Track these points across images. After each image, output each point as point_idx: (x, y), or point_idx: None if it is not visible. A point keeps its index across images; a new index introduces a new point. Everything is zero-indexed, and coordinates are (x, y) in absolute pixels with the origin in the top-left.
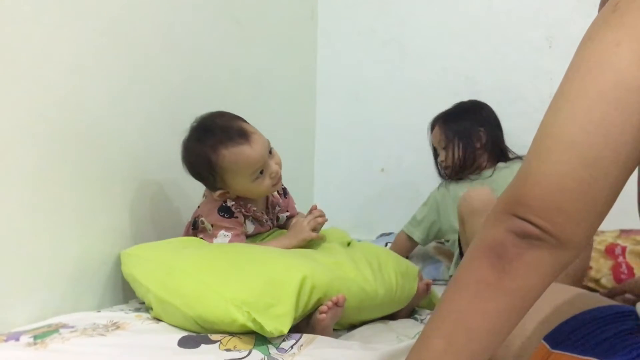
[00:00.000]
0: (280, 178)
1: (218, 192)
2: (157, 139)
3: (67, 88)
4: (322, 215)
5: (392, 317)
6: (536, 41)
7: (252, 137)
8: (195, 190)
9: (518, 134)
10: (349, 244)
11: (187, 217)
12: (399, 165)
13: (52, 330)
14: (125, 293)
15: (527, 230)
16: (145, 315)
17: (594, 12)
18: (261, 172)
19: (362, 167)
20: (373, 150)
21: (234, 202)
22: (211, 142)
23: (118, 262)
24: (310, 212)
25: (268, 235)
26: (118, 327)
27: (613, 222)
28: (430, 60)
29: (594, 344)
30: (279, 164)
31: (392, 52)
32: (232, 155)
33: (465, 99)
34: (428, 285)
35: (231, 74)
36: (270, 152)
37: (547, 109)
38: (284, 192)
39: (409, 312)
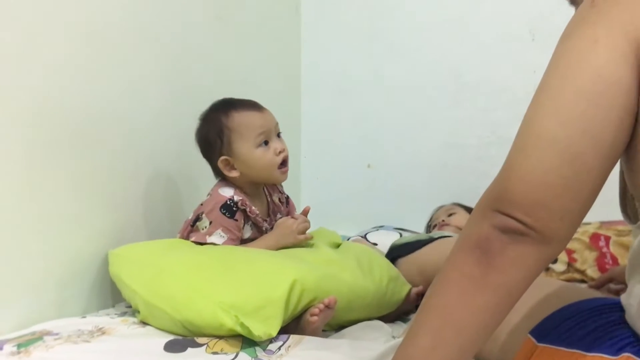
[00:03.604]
0: (287, 162)
1: (221, 159)
2: (143, 138)
3: (52, 90)
4: (306, 220)
5: (380, 320)
6: (519, 34)
7: (263, 109)
8: (188, 189)
9: (504, 126)
10: (338, 246)
11: (180, 217)
12: (386, 161)
13: (36, 338)
14: (113, 296)
15: (511, 225)
16: (131, 319)
17: None
18: (266, 143)
19: (348, 163)
20: (359, 146)
21: (241, 198)
22: (226, 109)
23: (106, 263)
24: (302, 213)
25: None
26: (103, 333)
27: (594, 214)
28: (416, 54)
29: (579, 337)
30: (287, 150)
31: (377, 47)
32: (241, 116)
33: (451, 92)
34: (419, 294)
35: (214, 71)
36: (278, 135)
37: (529, 105)
38: (287, 201)
39: (395, 318)
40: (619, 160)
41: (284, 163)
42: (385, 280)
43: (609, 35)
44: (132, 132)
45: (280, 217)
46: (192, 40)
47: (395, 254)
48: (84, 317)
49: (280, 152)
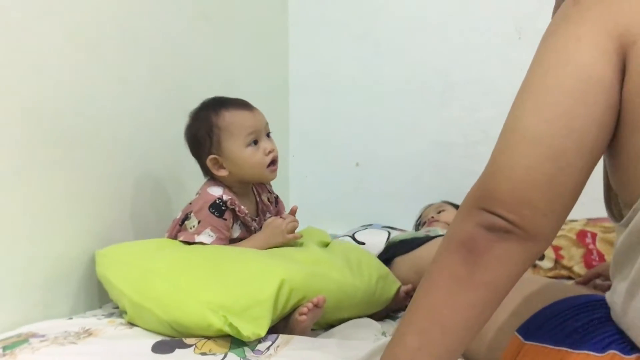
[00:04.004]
0: (276, 162)
1: (210, 158)
2: (131, 139)
3: (41, 92)
4: (295, 220)
5: (370, 318)
6: (506, 33)
7: (254, 108)
8: (176, 188)
9: (491, 124)
10: (327, 245)
11: (168, 216)
12: (374, 159)
13: (22, 340)
14: (100, 296)
15: (496, 223)
16: (118, 320)
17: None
18: (255, 143)
19: (336, 162)
20: (347, 144)
21: (230, 198)
22: (216, 107)
23: (93, 264)
24: (289, 212)
25: None
26: (90, 334)
27: (580, 211)
28: (403, 53)
29: (566, 334)
30: (276, 150)
31: (365, 46)
32: (231, 115)
33: (439, 91)
34: (408, 292)
35: (201, 71)
36: (268, 135)
37: (513, 103)
38: (276, 200)
39: (385, 316)
40: (602, 158)
41: (273, 162)
42: (375, 279)
43: (592, 33)
44: (120, 132)
45: (270, 217)
46: (179, 40)
47: (392, 252)
48: (71, 318)
49: (269, 152)
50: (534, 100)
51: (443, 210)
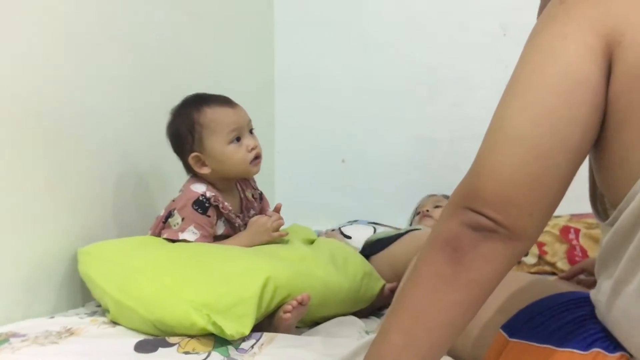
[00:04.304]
0: (259, 157)
1: (192, 155)
2: (114, 136)
3: (24, 89)
4: (280, 218)
5: (354, 315)
6: (491, 30)
7: (236, 105)
8: (159, 186)
9: (477, 121)
10: (312, 242)
11: (151, 214)
12: (360, 156)
13: (2, 340)
14: (83, 295)
15: (481, 222)
16: (101, 319)
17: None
18: (238, 140)
19: (322, 158)
20: (333, 141)
21: (213, 194)
22: (198, 104)
23: (75, 262)
24: (274, 210)
25: None
26: (72, 334)
27: (564, 207)
28: (389, 50)
29: (550, 332)
30: (259, 147)
31: (351, 43)
32: (213, 112)
33: (425, 88)
34: (392, 289)
35: (185, 68)
36: (251, 132)
37: (499, 102)
38: (260, 197)
39: (369, 313)
40: (588, 156)
41: (256, 158)
42: (359, 276)
43: (578, 32)
44: (102, 130)
45: (254, 214)
46: (164, 36)
47: (368, 251)
48: (52, 317)
49: (252, 149)
50: (520, 99)
51: (440, 206)
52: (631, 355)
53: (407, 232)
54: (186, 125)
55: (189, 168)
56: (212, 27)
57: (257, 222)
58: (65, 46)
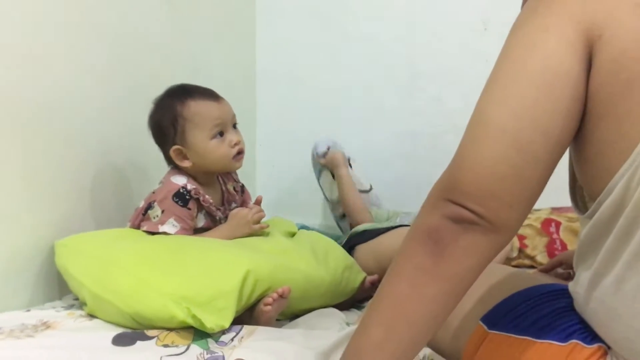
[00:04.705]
0: (242, 153)
1: (173, 149)
2: (91, 127)
3: None
4: (261, 210)
5: (335, 307)
6: (472, 24)
7: (221, 99)
8: (138, 177)
9: (457, 115)
10: (294, 235)
11: (130, 206)
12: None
13: None
14: (60, 288)
15: (462, 215)
16: (78, 312)
17: None
18: (221, 134)
19: (304, 152)
20: (315, 134)
21: (194, 187)
22: (182, 96)
23: (52, 254)
24: (255, 203)
25: None
26: (48, 327)
27: (546, 200)
28: (370, 44)
29: (529, 323)
30: (242, 142)
31: (332, 36)
32: (197, 106)
33: (405, 82)
34: (373, 282)
35: (163, 58)
36: (234, 127)
37: (480, 95)
38: (242, 189)
39: (350, 306)
40: (568, 149)
41: (239, 153)
42: (341, 269)
43: (559, 25)
44: (78, 119)
45: (235, 206)
46: (142, 25)
47: (354, 241)
48: (29, 310)
49: (235, 145)
50: (501, 92)
51: None
52: (609, 347)
53: (397, 226)
54: (169, 117)
55: (169, 160)
56: (192, 18)
57: (238, 214)
58: (40, 36)
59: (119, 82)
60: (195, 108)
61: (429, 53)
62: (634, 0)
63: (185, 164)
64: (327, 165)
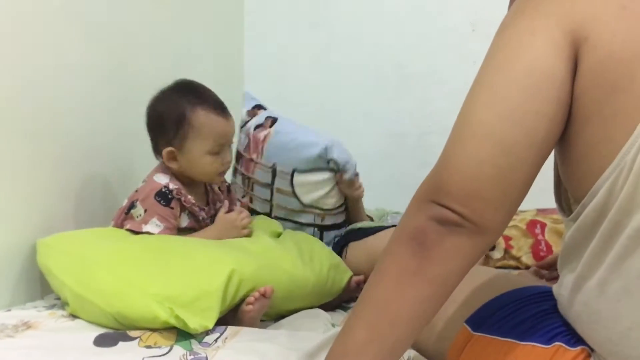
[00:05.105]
0: (224, 173)
1: (167, 149)
2: (72, 121)
3: None
4: (248, 215)
5: (321, 308)
6: (460, 25)
7: (229, 117)
8: (122, 175)
9: (444, 116)
10: (279, 235)
11: (113, 204)
12: None
13: None
14: (42, 287)
15: (446, 216)
16: (59, 312)
17: None
18: (218, 153)
19: None
20: None
21: (176, 187)
22: (193, 99)
23: (34, 253)
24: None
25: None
26: (29, 327)
27: (531, 202)
28: (358, 43)
29: (513, 326)
30: (231, 161)
31: (320, 36)
32: (208, 118)
33: (393, 82)
34: (359, 283)
35: (150, 55)
36: (229, 145)
37: (466, 97)
38: (227, 189)
39: (336, 306)
40: (553, 151)
41: (225, 171)
42: (326, 269)
43: (546, 27)
44: (60, 116)
45: (220, 206)
46: (127, 22)
47: (350, 238)
48: (9, 310)
49: (226, 164)
50: (487, 94)
51: None
52: (592, 350)
53: (392, 226)
54: (175, 117)
55: (157, 152)
56: (180, 15)
57: (226, 218)
58: (20, 33)
59: (102, 79)
60: (205, 120)
61: (417, 54)
62: (620, 2)
63: (173, 165)
64: (349, 187)
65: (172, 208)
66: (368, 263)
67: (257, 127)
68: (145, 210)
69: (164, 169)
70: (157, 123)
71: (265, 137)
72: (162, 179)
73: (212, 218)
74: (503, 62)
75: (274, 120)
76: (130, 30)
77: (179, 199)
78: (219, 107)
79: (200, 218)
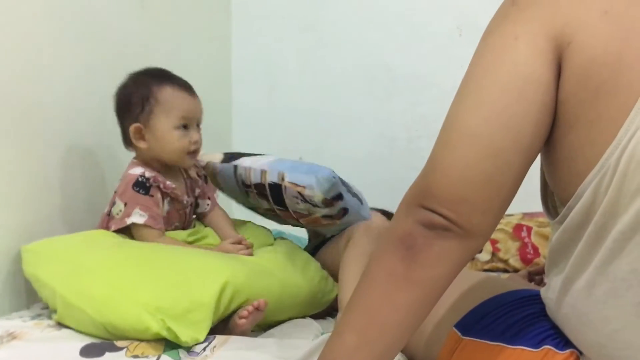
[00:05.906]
0: (197, 153)
1: (134, 125)
2: (55, 122)
3: None
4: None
5: (310, 317)
6: (447, 30)
7: (196, 96)
8: (110, 175)
9: (432, 119)
10: (271, 244)
11: (100, 206)
12: (318, 153)
13: None
14: (28, 296)
15: (434, 221)
16: (45, 322)
17: (501, 1)
18: (185, 128)
19: (279, 155)
20: (291, 138)
21: (153, 175)
22: (160, 78)
23: (17, 261)
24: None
25: (189, 236)
26: (14, 338)
27: (517, 206)
28: (347, 47)
29: (502, 330)
30: (201, 144)
31: (309, 39)
32: (173, 92)
33: (382, 86)
34: None
35: (137, 59)
36: (198, 125)
37: (453, 101)
38: (204, 179)
39: (326, 314)
40: (539, 155)
41: (195, 152)
42: (317, 279)
43: (529, 32)
44: (44, 117)
45: (199, 194)
46: (113, 23)
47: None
48: None
49: (194, 143)
50: (473, 98)
51: None
52: (581, 352)
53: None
54: (141, 93)
55: (126, 136)
56: (166, 19)
57: (224, 248)
58: (7, 33)
59: (88, 79)
60: (171, 93)
61: (405, 58)
62: (602, 7)
63: (141, 144)
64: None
65: (152, 196)
66: (334, 264)
67: None
68: (126, 204)
69: (138, 162)
70: (124, 105)
71: None
72: (138, 170)
73: (192, 205)
74: (488, 66)
75: None
76: (117, 36)
77: (158, 186)
78: (186, 85)
79: (184, 202)
